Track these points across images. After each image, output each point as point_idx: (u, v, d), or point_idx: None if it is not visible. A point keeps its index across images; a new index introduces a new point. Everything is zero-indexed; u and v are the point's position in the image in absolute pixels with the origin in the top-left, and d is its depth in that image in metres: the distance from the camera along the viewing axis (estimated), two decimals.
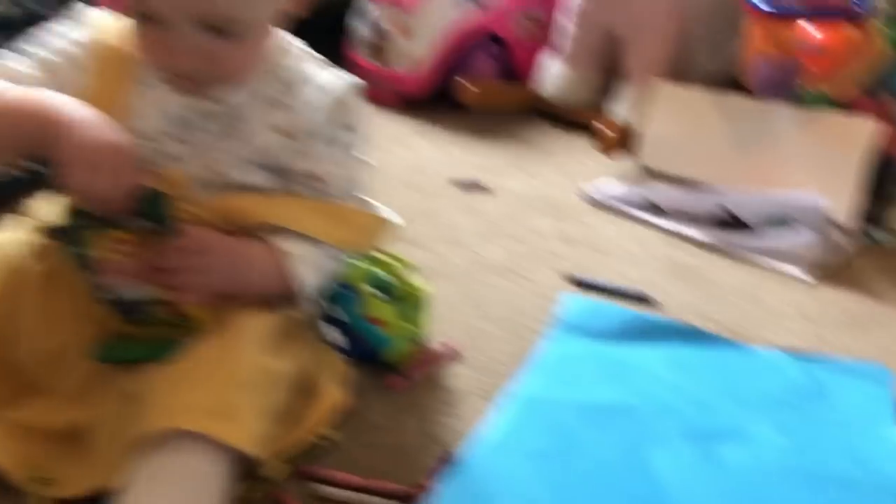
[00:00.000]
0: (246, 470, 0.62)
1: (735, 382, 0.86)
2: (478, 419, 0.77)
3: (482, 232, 1.17)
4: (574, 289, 1.02)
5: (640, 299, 1.01)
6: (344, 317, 0.80)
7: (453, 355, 0.86)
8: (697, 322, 0.97)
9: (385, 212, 0.76)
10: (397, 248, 0.87)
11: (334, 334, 0.80)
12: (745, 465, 0.74)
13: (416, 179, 1.32)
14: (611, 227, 1.22)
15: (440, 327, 0.90)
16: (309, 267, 0.70)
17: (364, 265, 0.82)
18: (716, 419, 0.79)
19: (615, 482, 0.71)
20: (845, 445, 0.77)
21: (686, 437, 0.77)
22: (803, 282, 1.10)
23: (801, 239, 1.14)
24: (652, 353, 0.89)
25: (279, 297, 0.69)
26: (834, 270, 1.13)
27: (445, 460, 0.70)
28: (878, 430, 0.80)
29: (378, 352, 0.81)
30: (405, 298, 0.84)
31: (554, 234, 1.18)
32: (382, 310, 0.80)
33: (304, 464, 0.68)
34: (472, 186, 1.30)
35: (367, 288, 0.80)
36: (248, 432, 0.60)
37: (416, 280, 0.86)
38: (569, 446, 0.75)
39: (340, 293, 0.79)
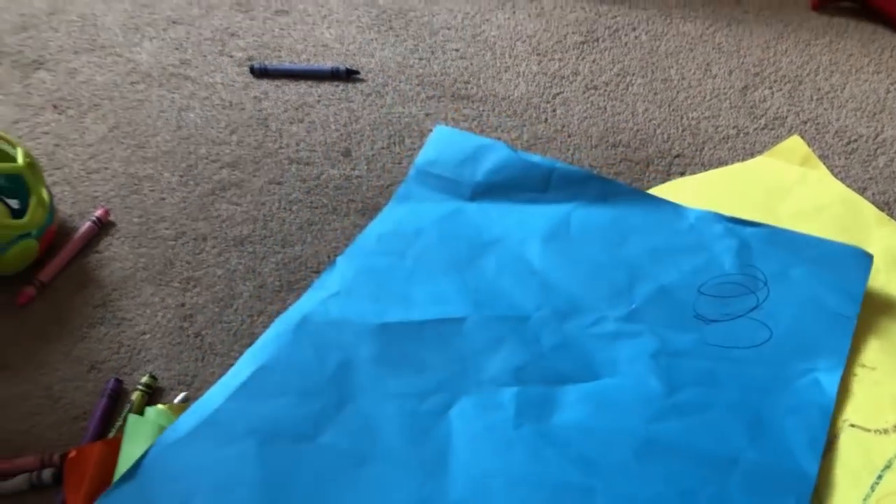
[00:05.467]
0: None
1: (634, 280, 0.59)
2: (155, 326, 0.60)
3: (129, 21, 0.89)
4: (256, 81, 0.81)
5: (343, 75, 0.82)
6: None
7: (99, 227, 0.66)
8: (419, 81, 0.80)
9: None
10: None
11: None
12: (570, 433, 0.49)
13: None
14: None
15: (88, 188, 0.68)
16: None
17: None
18: (575, 351, 0.54)
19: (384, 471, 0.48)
20: (763, 405, 0.51)
21: (516, 378, 0.53)
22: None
23: None
24: (522, 221, 0.63)
25: None
26: None
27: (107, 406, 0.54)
28: (821, 383, 0.52)
29: None
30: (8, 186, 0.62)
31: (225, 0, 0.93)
32: None
33: None
34: None
35: None
36: None
37: (17, 153, 0.62)
38: (329, 407, 0.51)
39: None
